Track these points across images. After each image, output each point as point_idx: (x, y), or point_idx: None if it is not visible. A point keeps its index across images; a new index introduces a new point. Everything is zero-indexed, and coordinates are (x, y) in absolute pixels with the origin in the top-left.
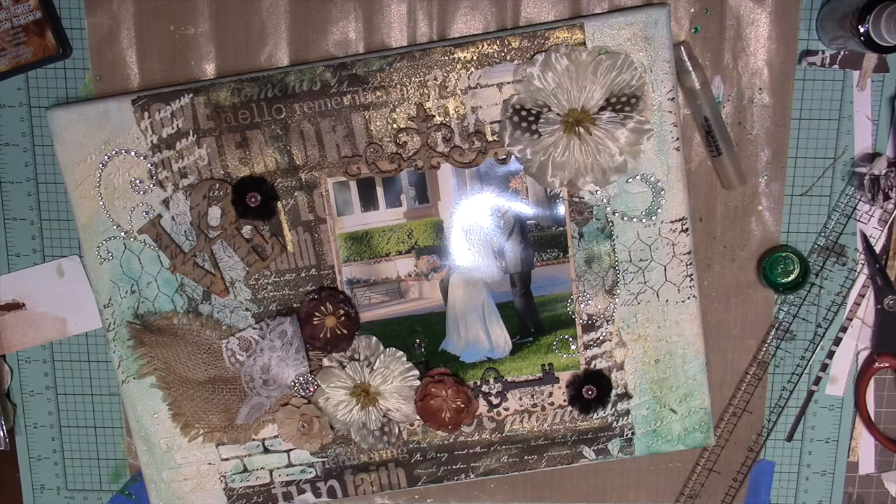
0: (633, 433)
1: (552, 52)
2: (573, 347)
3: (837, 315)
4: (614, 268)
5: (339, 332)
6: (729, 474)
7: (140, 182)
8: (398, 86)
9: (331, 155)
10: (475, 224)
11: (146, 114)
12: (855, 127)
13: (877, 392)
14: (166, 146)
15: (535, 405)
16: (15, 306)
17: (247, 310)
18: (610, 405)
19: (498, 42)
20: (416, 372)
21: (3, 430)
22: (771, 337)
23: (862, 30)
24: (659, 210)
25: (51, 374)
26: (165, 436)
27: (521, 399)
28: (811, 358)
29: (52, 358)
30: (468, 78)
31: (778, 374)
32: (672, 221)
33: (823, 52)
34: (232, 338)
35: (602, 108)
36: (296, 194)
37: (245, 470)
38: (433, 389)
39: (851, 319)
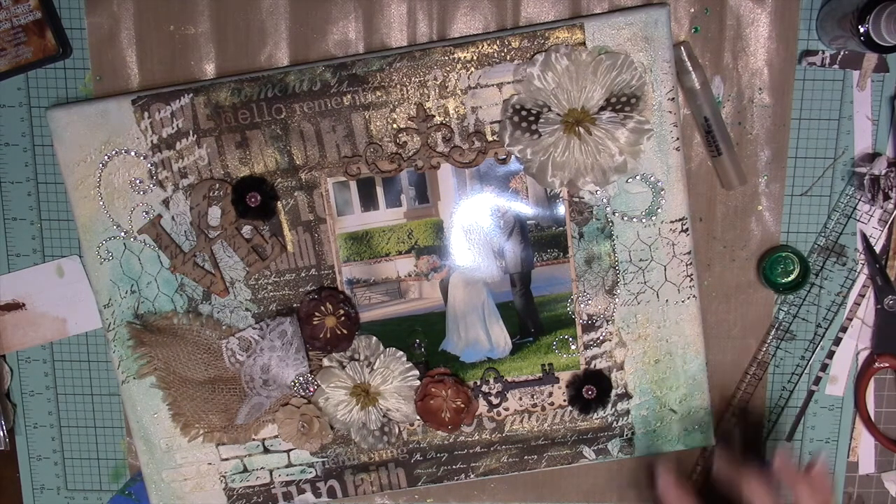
0: (633, 433)
1: (552, 52)
2: (573, 347)
3: (837, 315)
4: (614, 268)
5: (339, 332)
6: None
7: (140, 182)
8: (398, 86)
9: (331, 155)
10: (475, 224)
11: (146, 114)
12: (855, 127)
13: (877, 392)
14: (166, 146)
15: (535, 405)
16: (15, 306)
17: (247, 310)
18: (610, 405)
19: (498, 42)
20: (416, 372)
21: (3, 430)
22: (771, 337)
23: (862, 30)
24: (659, 210)
25: (51, 374)
26: (165, 436)
27: (521, 399)
28: (811, 358)
29: (52, 358)
30: (468, 78)
31: (778, 374)
32: (672, 221)
33: (823, 52)
34: (232, 338)
35: (602, 108)
36: (296, 194)
37: (245, 470)
38: (433, 389)
39: (851, 319)
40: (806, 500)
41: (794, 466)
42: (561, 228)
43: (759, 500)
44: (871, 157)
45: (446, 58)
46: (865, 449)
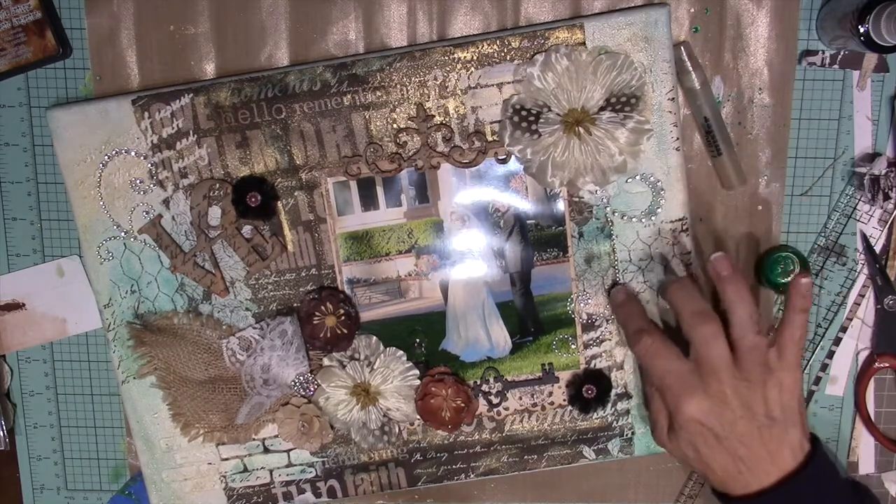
0: (633, 433)
1: (552, 53)
2: (573, 347)
3: (837, 315)
4: (614, 267)
5: (339, 332)
6: None
7: (140, 182)
8: (398, 86)
9: (331, 155)
10: (475, 223)
11: (146, 114)
12: (855, 127)
13: (877, 392)
14: (166, 146)
15: (534, 405)
16: (15, 306)
17: (247, 309)
18: (610, 405)
19: (498, 42)
20: (416, 371)
21: (3, 430)
22: (771, 337)
23: (862, 30)
24: (659, 210)
25: (51, 374)
26: (165, 436)
27: (521, 398)
28: (811, 358)
29: (52, 358)
30: (468, 78)
31: None
32: (672, 221)
33: (823, 52)
34: (232, 337)
35: (602, 108)
36: (296, 194)
37: (245, 470)
38: (433, 389)
39: (851, 319)
40: (731, 302)
41: (727, 267)
42: (561, 228)
43: (681, 303)
44: (871, 157)
45: (446, 58)
46: (865, 449)
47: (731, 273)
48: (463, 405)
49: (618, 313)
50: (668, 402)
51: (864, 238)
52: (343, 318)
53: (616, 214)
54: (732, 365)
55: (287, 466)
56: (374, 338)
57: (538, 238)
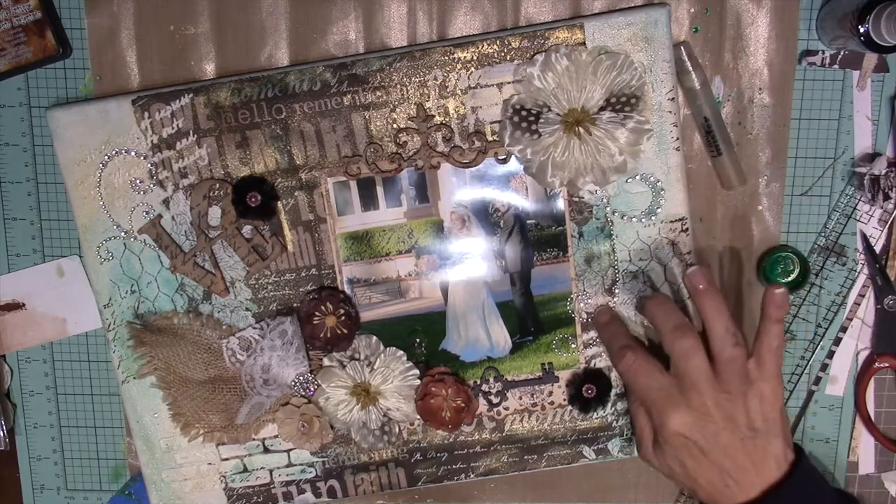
0: (632, 433)
1: (552, 53)
2: (573, 346)
3: (837, 315)
4: (613, 267)
5: (339, 332)
6: None
7: (140, 182)
8: (398, 86)
9: (331, 155)
10: (475, 223)
11: (146, 114)
12: (855, 127)
13: (877, 392)
14: (166, 146)
15: (534, 404)
16: (15, 306)
17: (247, 309)
18: (610, 404)
19: (498, 42)
20: (417, 371)
21: (3, 430)
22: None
23: (862, 30)
24: (659, 210)
25: (51, 374)
26: (165, 436)
27: (521, 398)
28: (811, 358)
29: (52, 358)
30: (468, 78)
31: None
32: (672, 221)
33: (823, 52)
34: (232, 337)
35: (602, 108)
36: (296, 194)
37: (245, 470)
38: (433, 388)
39: (851, 319)
40: (708, 316)
41: (703, 280)
42: (561, 228)
43: (660, 319)
44: (871, 157)
45: (446, 58)
46: (865, 449)
47: (708, 286)
48: (463, 405)
49: (602, 333)
50: (652, 418)
51: (864, 238)
52: (343, 318)
53: (616, 214)
54: (713, 378)
55: (287, 466)
56: (374, 338)
57: (538, 238)
